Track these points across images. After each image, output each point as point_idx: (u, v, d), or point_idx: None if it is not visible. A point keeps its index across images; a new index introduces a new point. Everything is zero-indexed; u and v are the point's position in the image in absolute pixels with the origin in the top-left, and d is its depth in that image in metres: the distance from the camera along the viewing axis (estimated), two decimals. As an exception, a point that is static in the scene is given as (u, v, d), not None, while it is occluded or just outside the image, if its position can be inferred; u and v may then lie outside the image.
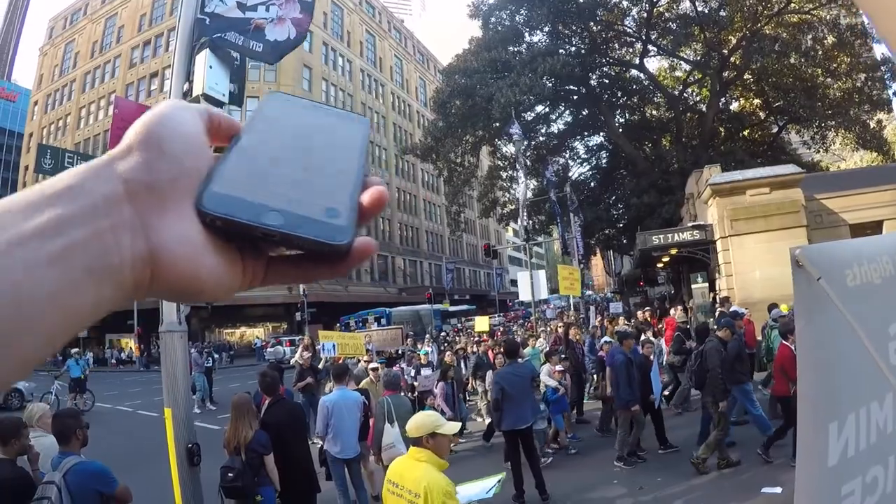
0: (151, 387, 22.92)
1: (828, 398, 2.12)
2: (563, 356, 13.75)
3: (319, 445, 9.74)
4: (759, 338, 15.62)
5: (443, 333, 32.51)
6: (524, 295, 26.58)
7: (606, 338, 14.95)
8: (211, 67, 6.04)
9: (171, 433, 6.29)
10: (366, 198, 0.64)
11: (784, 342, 10.04)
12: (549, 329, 23.13)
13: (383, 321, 44.05)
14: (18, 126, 71.23)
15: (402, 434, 8.97)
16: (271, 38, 6.40)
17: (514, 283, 77.13)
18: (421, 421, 4.81)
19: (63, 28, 66.83)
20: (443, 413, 11.03)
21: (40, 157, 5.85)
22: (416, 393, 15.17)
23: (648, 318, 19.01)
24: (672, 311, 19.00)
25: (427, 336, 27.51)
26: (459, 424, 5.30)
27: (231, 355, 47.41)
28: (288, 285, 43.17)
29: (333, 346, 16.01)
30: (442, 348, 22.64)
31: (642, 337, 13.76)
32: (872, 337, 2.06)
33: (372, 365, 13.86)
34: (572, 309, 37.94)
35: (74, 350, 25.21)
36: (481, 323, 26.48)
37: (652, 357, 12.71)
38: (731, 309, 15.53)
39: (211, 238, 0.57)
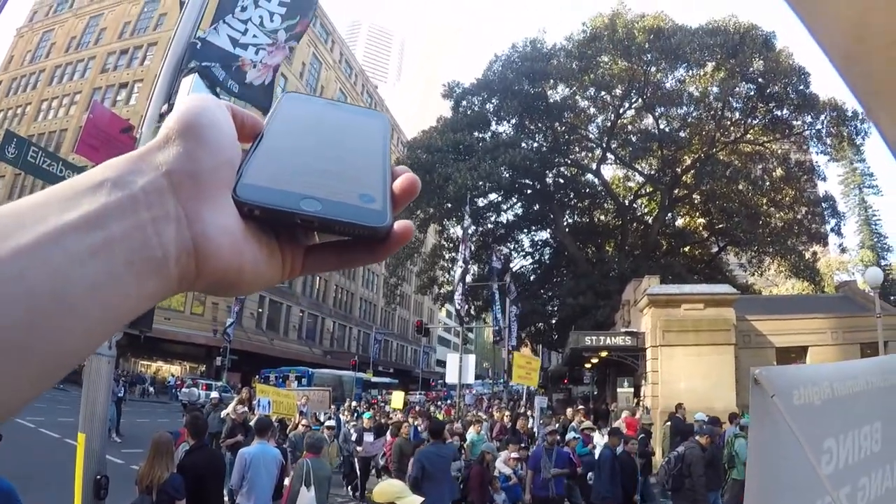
0: (56, 405, 21.95)
1: (771, 498, 2.31)
2: (522, 445, 13.47)
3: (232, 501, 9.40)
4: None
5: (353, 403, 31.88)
6: (451, 377, 26.42)
7: (573, 434, 14.82)
8: (191, 95, 6.06)
9: (80, 461, 6.03)
10: (398, 184, 0.64)
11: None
12: (469, 415, 22.95)
13: (304, 381, 43.31)
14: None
15: (318, 499, 8.77)
16: (248, 80, 6.48)
17: (440, 362, 77.08)
18: (385, 489, 4.86)
19: (45, 15, 65.54)
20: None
21: (5, 143, 5.70)
22: (358, 458, 15.05)
23: (583, 419, 18.72)
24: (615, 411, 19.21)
25: (346, 403, 27.06)
26: (421, 499, 5.19)
27: (144, 389, 45.86)
28: (219, 323, 42.16)
29: (269, 402, 15.34)
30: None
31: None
32: (811, 449, 2.27)
33: (329, 423, 13.98)
34: (494, 398, 37.99)
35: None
36: (397, 399, 25.51)
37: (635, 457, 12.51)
38: (698, 416, 15.61)
39: (250, 229, 0.57)
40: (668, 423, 16.63)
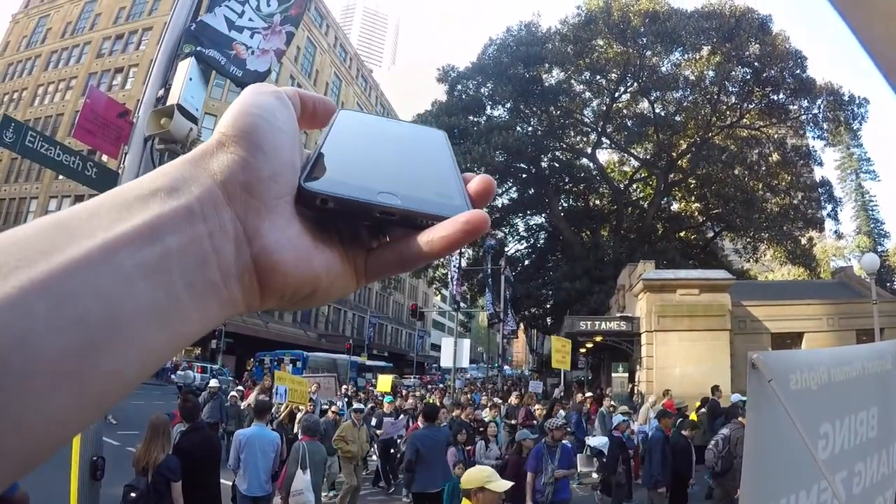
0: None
1: (767, 481, 2.33)
2: (571, 431, 13.29)
3: (232, 483, 9.42)
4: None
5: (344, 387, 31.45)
6: (446, 361, 26.45)
7: (620, 416, 14.68)
8: (191, 79, 6.01)
9: (76, 442, 6.03)
10: (473, 186, 0.59)
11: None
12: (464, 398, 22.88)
13: (299, 364, 43.37)
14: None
15: (313, 482, 8.81)
16: (252, 68, 6.43)
17: (434, 346, 77.11)
18: (473, 475, 4.91)
19: (41, 1, 65.09)
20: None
21: (3, 128, 5.67)
22: (379, 441, 14.86)
23: (589, 405, 18.53)
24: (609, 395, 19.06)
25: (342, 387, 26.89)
26: (510, 483, 5.21)
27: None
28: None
29: (286, 391, 14.90)
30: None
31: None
32: (808, 434, 2.27)
33: (356, 406, 13.57)
34: (488, 382, 38.04)
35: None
36: (384, 382, 24.97)
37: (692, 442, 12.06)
38: (734, 398, 15.56)
39: (316, 235, 0.53)
40: (702, 408, 16.45)
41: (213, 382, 17.89)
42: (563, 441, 9.79)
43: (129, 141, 5.85)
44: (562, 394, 21.11)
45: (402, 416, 16.23)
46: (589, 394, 22.20)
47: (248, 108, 0.53)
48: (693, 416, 15.29)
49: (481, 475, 4.95)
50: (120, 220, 0.43)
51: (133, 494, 6.77)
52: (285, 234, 0.50)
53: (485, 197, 0.59)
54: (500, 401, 21.38)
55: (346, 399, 21.93)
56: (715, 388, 16.90)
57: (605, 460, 13.27)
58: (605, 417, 15.98)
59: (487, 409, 17.48)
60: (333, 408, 15.17)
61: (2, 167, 53.67)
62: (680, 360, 21.15)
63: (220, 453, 8.67)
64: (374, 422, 15.38)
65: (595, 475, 14.11)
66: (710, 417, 15.47)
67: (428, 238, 0.53)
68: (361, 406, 13.89)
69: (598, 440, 14.09)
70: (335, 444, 11.93)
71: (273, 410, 13.98)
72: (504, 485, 5.04)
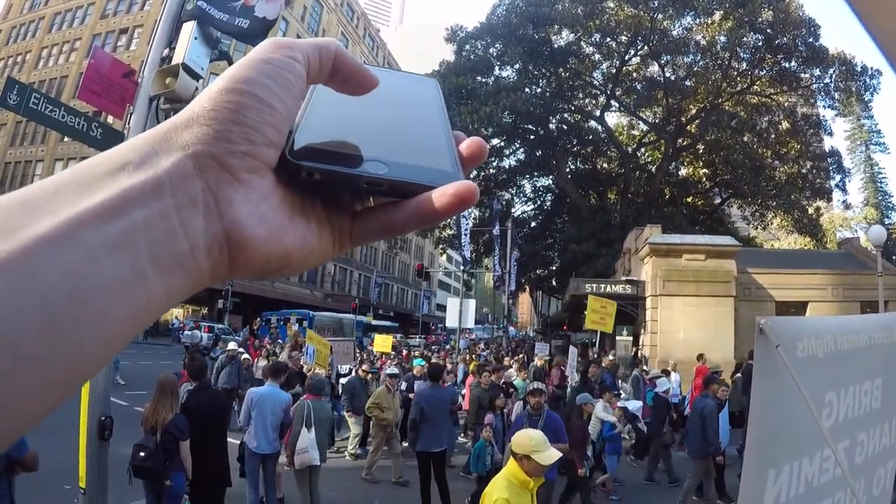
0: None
1: (770, 448, 2.34)
2: (616, 393, 12.90)
3: (240, 441, 9.50)
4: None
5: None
6: (451, 321, 26.52)
7: (657, 371, 14.47)
8: (196, 39, 5.97)
9: (85, 402, 6.09)
10: (465, 146, 0.59)
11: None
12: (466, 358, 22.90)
13: (305, 323, 43.61)
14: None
15: (318, 440, 8.89)
16: (260, 14, 6.35)
17: (440, 307, 77.32)
18: (521, 441, 4.91)
19: None
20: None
21: (7, 90, 5.63)
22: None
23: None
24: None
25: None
26: (558, 455, 5.14)
27: (147, 332, 46.14)
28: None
29: (314, 351, 14.78)
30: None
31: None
32: (813, 401, 2.28)
33: (390, 370, 13.30)
34: (493, 343, 38.17)
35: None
36: (383, 342, 24.13)
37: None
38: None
39: (294, 207, 0.52)
40: (737, 373, 16.33)
41: (232, 345, 16.80)
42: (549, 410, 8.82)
43: (134, 101, 5.82)
44: (596, 354, 20.75)
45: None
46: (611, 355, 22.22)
47: (235, 83, 0.50)
48: (728, 381, 15.26)
49: (529, 443, 4.90)
50: (86, 196, 0.42)
51: (142, 454, 6.89)
52: (259, 208, 0.49)
53: (476, 159, 0.60)
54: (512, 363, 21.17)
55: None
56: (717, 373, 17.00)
57: (647, 421, 13.06)
58: (639, 381, 15.79)
59: (516, 372, 17.20)
60: (364, 366, 15.08)
61: (7, 130, 53.75)
62: (684, 325, 21.20)
63: (227, 412, 8.79)
64: (404, 385, 14.88)
65: (627, 437, 13.48)
66: (744, 382, 15.39)
67: (416, 207, 0.53)
68: (396, 371, 13.54)
69: (632, 404, 13.62)
70: (369, 412, 11.87)
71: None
72: (551, 456, 4.95)
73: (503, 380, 14.74)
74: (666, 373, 15.39)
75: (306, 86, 0.56)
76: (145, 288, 0.43)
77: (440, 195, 0.52)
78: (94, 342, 0.40)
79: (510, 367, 18.23)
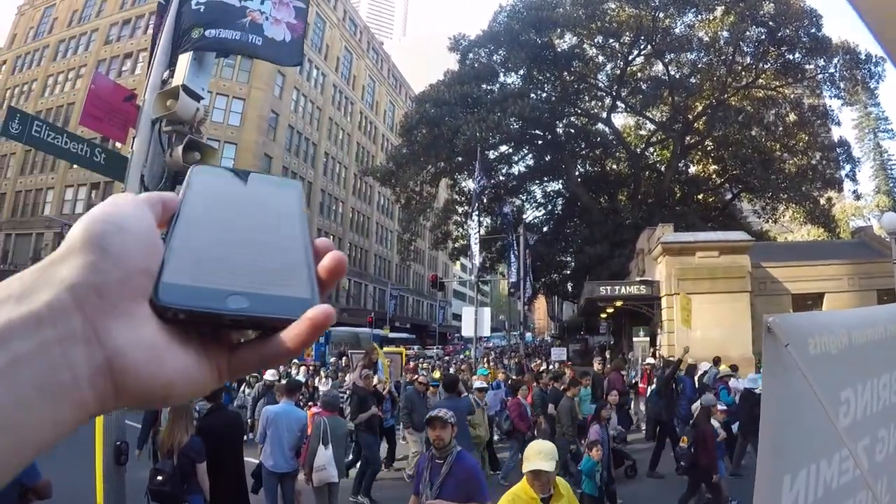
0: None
1: (785, 452, 2.27)
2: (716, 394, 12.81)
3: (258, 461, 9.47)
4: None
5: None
6: (467, 330, 26.42)
7: (726, 370, 14.07)
8: (194, 60, 5.97)
9: (100, 427, 6.08)
10: (324, 265, 0.61)
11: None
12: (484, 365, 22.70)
13: (321, 339, 43.56)
14: (-19, 83, 69.01)
15: (336, 456, 8.87)
16: (269, 35, 6.33)
17: (456, 316, 77.14)
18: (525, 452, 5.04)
19: None
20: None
21: (9, 120, 5.66)
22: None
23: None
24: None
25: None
26: (537, 467, 4.94)
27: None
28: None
29: (381, 366, 14.79)
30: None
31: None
32: (828, 400, 2.20)
33: (478, 384, 12.99)
34: (510, 350, 38.05)
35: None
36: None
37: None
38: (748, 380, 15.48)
39: (173, 336, 0.52)
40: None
41: (270, 375, 15.72)
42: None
43: (136, 125, 5.84)
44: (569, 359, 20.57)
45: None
46: (598, 358, 22.07)
47: (96, 217, 0.52)
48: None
49: (527, 452, 4.98)
50: None
51: (160, 478, 6.88)
52: (139, 335, 0.49)
53: (336, 277, 0.61)
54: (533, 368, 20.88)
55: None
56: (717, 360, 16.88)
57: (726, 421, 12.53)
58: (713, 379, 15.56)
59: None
60: (421, 377, 14.64)
61: (17, 160, 54.20)
62: (701, 323, 21.04)
63: (242, 433, 8.76)
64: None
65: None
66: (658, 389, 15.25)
67: (282, 339, 0.55)
68: (484, 384, 13.20)
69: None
70: None
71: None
72: (531, 466, 4.89)
73: (562, 387, 14.74)
74: (734, 368, 15.27)
75: (160, 222, 0.58)
76: (31, 419, 0.43)
77: (300, 324, 0.54)
78: None
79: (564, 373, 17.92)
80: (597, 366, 19.91)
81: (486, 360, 28.83)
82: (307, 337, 0.55)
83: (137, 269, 0.52)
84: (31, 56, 62.46)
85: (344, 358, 28.99)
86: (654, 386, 15.35)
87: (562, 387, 14.26)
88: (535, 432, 13.62)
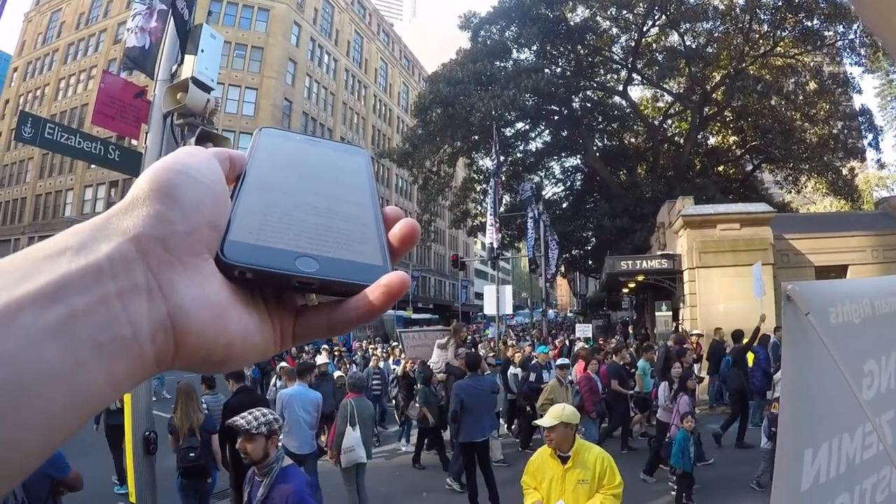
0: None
1: (806, 425, 2.22)
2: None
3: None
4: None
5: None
6: (489, 309, 26.41)
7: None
8: (202, 51, 5.97)
9: (129, 419, 6.19)
10: (396, 233, 0.59)
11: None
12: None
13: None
14: (-5, 91, 69.78)
15: (363, 437, 8.98)
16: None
17: (478, 295, 77.22)
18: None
19: None
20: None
21: (21, 124, 5.71)
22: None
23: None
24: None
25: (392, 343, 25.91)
26: (551, 418, 5.40)
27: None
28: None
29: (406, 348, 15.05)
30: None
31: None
32: (850, 372, 2.15)
33: (561, 361, 12.64)
34: (532, 328, 38.05)
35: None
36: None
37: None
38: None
39: (238, 296, 0.51)
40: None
41: (322, 358, 15.17)
42: None
43: (148, 120, 5.86)
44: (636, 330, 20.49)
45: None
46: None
47: (169, 164, 0.51)
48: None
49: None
50: (25, 280, 0.41)
51: (192, 454, 7.47)
52: (204, 292, 0.48)
53: (408, 245, 0.60)
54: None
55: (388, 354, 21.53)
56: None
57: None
58: (778, 348, 14.92)
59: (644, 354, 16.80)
60: (489, 359, 14.54)
61: (35, 164, 55.16)
62: (724, 296, 20.89)
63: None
64: (533, 376, 14.30)
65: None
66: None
67: (354, 305, 0.54)
68: (566, 361, 12.78)
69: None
70: (542, 409, 10.80)
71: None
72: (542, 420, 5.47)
73: (622, 361, 14.89)
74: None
75: (226, 179, 0.57)
76: (86, 376, 0.41)
77: (374, 291, 0.53)
78: (32, 433, 0.39)
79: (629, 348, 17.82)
80: (612, 344, 19.85)
81: (508, 338, 28.66)
82: (382, 303, 0.54)
83: (206, 222, 0.50)
84: (41, 61, 63.11)
85: (388, 341, 28.90)
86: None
87: (621, 361, 14.75)
88: (610, 415, 13.71)
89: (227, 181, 0.57)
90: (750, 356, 15.10)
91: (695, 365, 14.55)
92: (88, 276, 0.43)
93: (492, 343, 25.63)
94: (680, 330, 21.51)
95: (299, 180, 0.61)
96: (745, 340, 15.12)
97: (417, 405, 12.76)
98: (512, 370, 15.63)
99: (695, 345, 17.86)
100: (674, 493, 9.78)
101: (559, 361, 12.76)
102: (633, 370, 14.79)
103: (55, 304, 0.41)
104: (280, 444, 4.59)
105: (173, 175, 0.50)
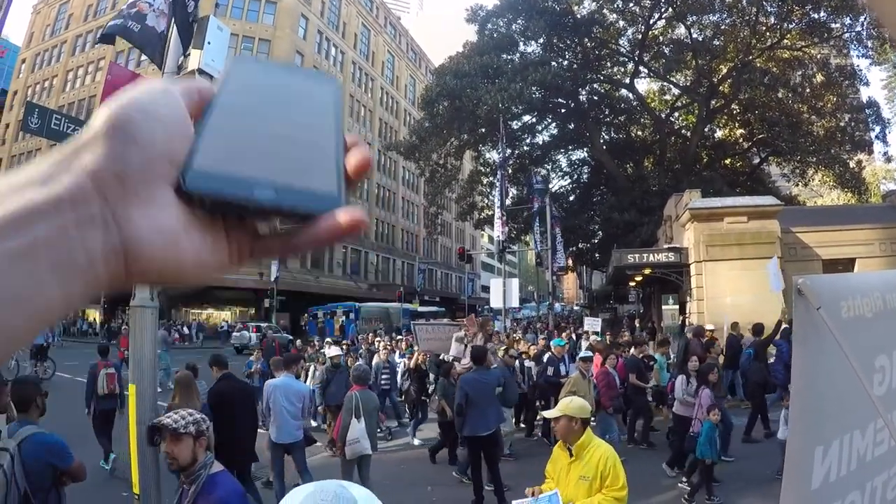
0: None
1: (817, 422, 2.19)
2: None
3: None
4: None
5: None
6: (495, 302, 26.40)
7: None
8: (209, 43, 5.94)
9: (133, 410, 6.18)
10: (351, 162, 0.61)
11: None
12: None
13: (352, 315, 43.89)
14: (3, 83, 70.06)
15: (368, 429, 8.97)
16: (151, 24, 6.29)
17: (485, 288, 77.21)
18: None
19: None
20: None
21: (28, 115, 5.72)
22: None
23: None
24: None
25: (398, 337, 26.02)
26: (552, 414, 5.54)
27: (202, 336, 47.04)
28: (265, 266, 42.16)
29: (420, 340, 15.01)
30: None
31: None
32: (862, 367, 2.12)
33: (583, 353, 12.56)
34: (538, 321, 38.03)
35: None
36: None
37: None
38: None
39: (194, 220, 0.54)
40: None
41: (333, 350, 14.68)
42: None
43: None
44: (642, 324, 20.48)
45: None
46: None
47: (122, 102, 0.53)
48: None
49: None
50: None
51: None
52: (156, 221, 0.51)
53: (362, 175, 0.62)
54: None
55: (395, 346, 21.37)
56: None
57: None
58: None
59: (653, 346, 16.80)
60: (511, 351, 14.38)
61: (42, 155, 55.15)
62: (731, 290, 20.84)
63: (252, 399, 9.19)
64: (550, 371, 14.02)
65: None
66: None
67: (311, 231, 0.56)
68: (589, 353, 12.64)
69: None
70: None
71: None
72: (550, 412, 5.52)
73: (641, 354, 14.81)
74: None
75: (189, 111, 0.58)
76: (44, 297, 0.46)
77: (329, 221, 0.56)
78: None
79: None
80: (625, 337, 19.81)
81: (514, 331, 28.59)
82: (334, 236, 0.56)
83: (162, 156, 0.52)
84: (49, 53, 63.41)
85: (403, 333, 28.88)
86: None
87: (640, 354, 14.65)
88: (629, 410, 13.69)
89: (195, 113, 0.58)
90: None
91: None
92: (50, 205, 0.46)
93: (500, 337, 25.56)
94: (688, 323, 21.46)
95: (265, 108, 0.62)
96: (765, 334, 15.07)
97: (437, 398, 12.76)
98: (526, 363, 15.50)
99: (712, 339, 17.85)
100: (688, 486, 9.76)
101: (582, 354, 12.67)
102: (651, 363, 14.74)
103: (19, 231, 0.44)
104: (208, 446, 4.30)
105: (127, 112, 0.52)
